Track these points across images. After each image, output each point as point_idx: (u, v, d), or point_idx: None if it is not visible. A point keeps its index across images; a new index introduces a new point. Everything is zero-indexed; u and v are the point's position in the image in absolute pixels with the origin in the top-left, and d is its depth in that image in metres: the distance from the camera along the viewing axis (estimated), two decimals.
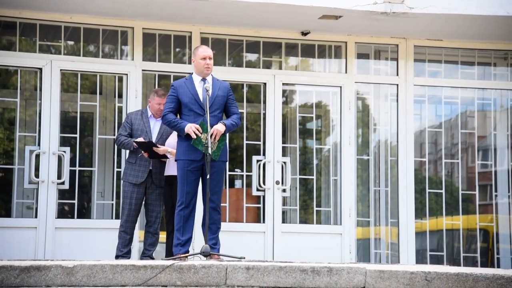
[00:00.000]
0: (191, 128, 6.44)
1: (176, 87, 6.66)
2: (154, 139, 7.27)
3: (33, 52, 8.13)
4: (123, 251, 7.21)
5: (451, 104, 9.08)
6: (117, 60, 8.38)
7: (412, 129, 8.83)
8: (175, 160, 6.62)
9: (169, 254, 7.05)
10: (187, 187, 6.53)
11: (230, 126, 6.61)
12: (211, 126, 6.45)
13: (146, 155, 7.15)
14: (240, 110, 8.49)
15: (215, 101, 6.62)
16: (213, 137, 6.44)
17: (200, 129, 6.43)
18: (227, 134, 6.70)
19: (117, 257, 7.19)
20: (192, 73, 6.75)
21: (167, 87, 8.51)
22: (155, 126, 7.36)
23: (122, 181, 7.35)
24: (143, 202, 7.33)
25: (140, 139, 7.16)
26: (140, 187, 7.23)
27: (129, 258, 7.24)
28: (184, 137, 6.54)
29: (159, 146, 7.10)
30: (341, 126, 8.70)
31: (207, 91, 6.52)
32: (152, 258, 7.27)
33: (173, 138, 7.08)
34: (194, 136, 6.42)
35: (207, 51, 6.71)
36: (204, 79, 6.69)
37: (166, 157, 7.13)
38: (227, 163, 6.92)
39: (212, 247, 6.41)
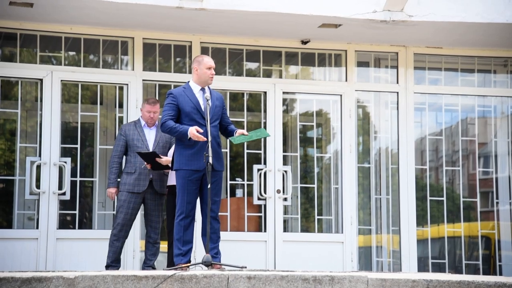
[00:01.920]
0: (198, 136, 6.38)
1: (176, 95, 6.61)
2: (151, 148, 7.27)
3: (33, 63, 8.15)
4: (113, 260, 7.19)
5: (451, 111, 9.09)
6: (118, 70, 8.40)
7: (413, 136, 8.84)
8: (175, 170, 6.59)
9: (170, 264, 7.05)
10: (187, 197, 6.52)
11: None
12: (212, 136, 6.44)
13: (149, 167, 7.14)
14: (240, 119, 8.56)
15: (215, 111, 6.63)
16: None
17: (200, 130, 6.40)
18: (227, 142, 6.73)
19: (107, 267, 7.17)
20: (188, 82, 6.72)
21: None
22: (150, 134, 7.36)
23: (119, 192, 7.33)
24: (143, 212, 7.33)
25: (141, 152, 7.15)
26: (138, 197, 7.22)
27: (119, 267, 7.23)
28: (185, 145, 6.49)
29: (161, 157, 7.08)
30: (341, 134, 8.71)
31: (207, 100, 6.52)
32: (154, 268, 7.26)
33: (173, 149, 7.07)
34: (198, 137, 6.37)
35: (212, 61, 6.72)
36: (203, 89, 6.69)
37: (169, 168, 7.09)
38: (224, 172, 6.88)
39: (214, 257, 6.41)
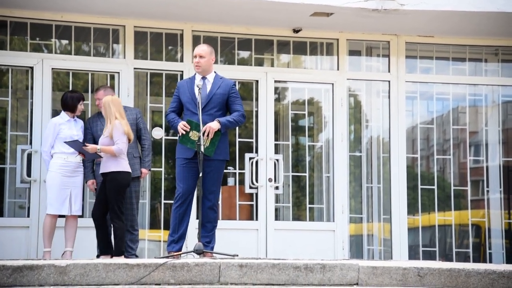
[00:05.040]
0: (179, 126, 6.49)
1: (179, 86, 6.79)
2: None
3: (24, 51, 8.11)
4: (103, 249, 7.22)
5: (442, 100, 9.11)
6: (109, 58, 8.37)
7: (404, 125, 8.85)
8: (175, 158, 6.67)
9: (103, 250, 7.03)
10: (183, 185, 6.54)
11: (226, 123, 6.59)
12: (202, 125, 6.45)
13: (82, 157, 7.11)
14: None
15: (212, 99, 6.63)
16: (205, 134, 6.45)
17: (187, 125, 6.45)
18: (227, 132, 6.72)
19: (98, 256, 7.19)
20: (195, 73, 6.83)
21: (159, 84, 8.52)
22: None
23: (97, 183, 7.35)
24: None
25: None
26: None
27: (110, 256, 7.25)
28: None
29: (87, 144, 7.00)
30: (333, 123, 8.72)
31: (199, 89, 6.53)
32: (137, 257, 7.28)
33: (104, 137, 7.01)
34: (183, 132, 6.44)
35: (197, 49, 6.75)
36: (204, 78, 6.72)
37: (100, 157, 7.01)
38: (224, 163, 6.83)
39: (206, 245, 6.42)
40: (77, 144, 7.03)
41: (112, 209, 6.88)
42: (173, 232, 6.56)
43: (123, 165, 6.93)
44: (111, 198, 6.87)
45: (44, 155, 7.30)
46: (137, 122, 7.44)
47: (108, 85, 8.18)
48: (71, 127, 7.27)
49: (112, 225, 6.95)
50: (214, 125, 6.49)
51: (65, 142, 7.14)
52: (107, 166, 6.92)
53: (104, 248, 6.98)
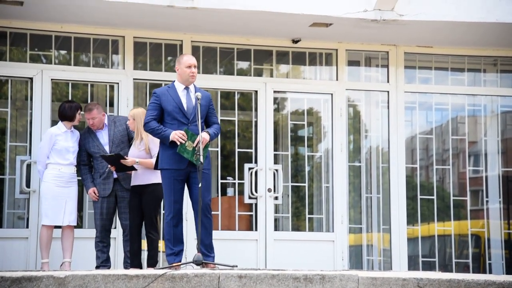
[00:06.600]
0: (176, 135, 6.43)
1: (159, 94, 6.61)
2: (107, 150, 7.26)
3: (23, 61, 8.13)
4: (103, 261, 7.23)
5: (441, 110, 9.13)
6: (108, 69, 8.39)
7: (403, 135, 8.86)
8: (159, 169, 6.57)
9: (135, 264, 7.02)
10: (174, 197, 6.51)
11: (213, 135, 6.63)
12: (197, 135, 6.44)
13: (113, 169, 7.09)
14: (231, 118, 8.56)
15: (200, 110, 6.62)
16: (198, 145, 6.44)
17: (185, 134, 6.43)
18: (218, 143, 6.73)
19: (97, 267, 7.19)
20: (173, 81, 6.74)
21: None
22: (103, 136, 7.36)
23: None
24: (116, 211, 7.33)
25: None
26: (110, 197, 7.26)
27: (109, 266, 7.25)
28: (168, 146, 6.52)
29: (126, 158, 7.00)
30: (332, 133, 8.73)
31: (198, 99, 6.52)
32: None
33: (134, 148, 6.99)
34: (182, 141, 6.40)
35: (192, 59, 6.71)
36: (187, 88, 6.69)
37: (134, 169, 7.03)
38: (211, 170, 6.86)
39: (208, 255, 6.40)
40: (117, 157, 7.00)
41: (150, 221, 6.89)
42: (171, 244, 6.52)
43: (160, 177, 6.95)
44: (149, 210, 6.88)
45: (39, 165, 7.30)
46: (128, 132, 7.41)
47: (107, 95, 8.21)
48: (67, 139, 7.27)
49: (147, 237, 6.95)
50: (207, 136, 6.52)
51: (104, 155, 7.10)
52: (145, 178, 6.93)
53: (138, 261, 6.96)
